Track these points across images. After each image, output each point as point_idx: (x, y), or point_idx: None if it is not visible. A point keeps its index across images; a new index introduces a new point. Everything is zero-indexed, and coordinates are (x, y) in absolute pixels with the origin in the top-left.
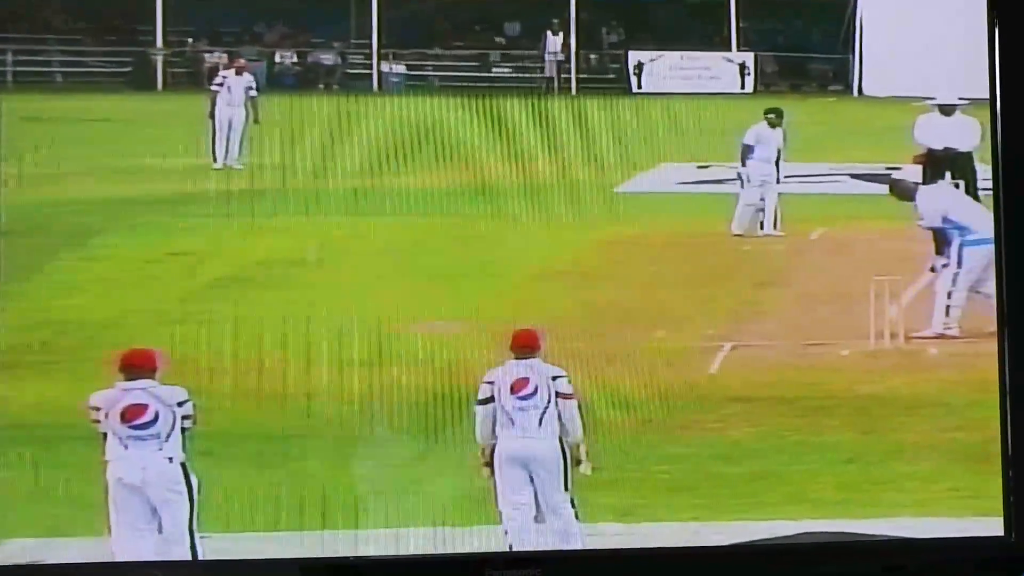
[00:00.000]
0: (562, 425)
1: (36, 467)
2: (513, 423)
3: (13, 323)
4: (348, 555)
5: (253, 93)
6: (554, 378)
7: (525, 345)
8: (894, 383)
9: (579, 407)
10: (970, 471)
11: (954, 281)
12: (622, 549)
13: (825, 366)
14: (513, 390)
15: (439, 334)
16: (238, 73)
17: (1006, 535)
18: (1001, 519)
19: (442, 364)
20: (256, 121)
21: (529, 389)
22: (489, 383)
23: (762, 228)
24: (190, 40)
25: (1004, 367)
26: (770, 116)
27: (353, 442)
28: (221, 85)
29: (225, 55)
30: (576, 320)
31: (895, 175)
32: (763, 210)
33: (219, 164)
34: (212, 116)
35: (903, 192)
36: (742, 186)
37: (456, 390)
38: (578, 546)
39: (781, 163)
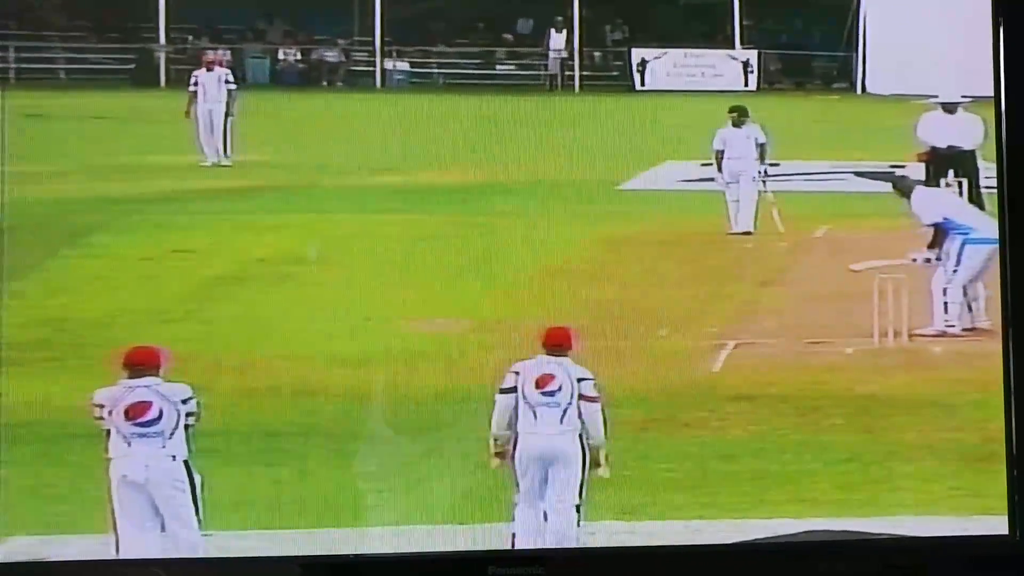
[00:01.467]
0: (584, 426)
1: (38, 465)
2: (536, 417)
3: (14, 320)
4: (350, 553)
5: (231, 87)
6: (580, 380)
7: (557, 343)
8: (897, 382)
9: (603, 411)
10: (973, 470)
11: (949, 279)
12: (625, 547)
13: (828, 365)
14: (538, 385)
15: (441, 332)
16: (209, 70)
17: (1011, 534)
18: (1005, 518)
19: (445, 362)
20: (230, 114)
21: (554, 386)
22: (515, 373)
23: (736, 224)
24: (191, 37)
25: (1008, 365)
26: (732, 115)
27: (356, 439)
28: (196, 85)
29: (227, 51)
30: (579, 318)
31: (899, 172)
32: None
33: (208, 162)
34: (188, 115)
35: (905, 188)
36: (726, 187)
37: (458, 387)
38: (579, 545)
39: (766, 158)
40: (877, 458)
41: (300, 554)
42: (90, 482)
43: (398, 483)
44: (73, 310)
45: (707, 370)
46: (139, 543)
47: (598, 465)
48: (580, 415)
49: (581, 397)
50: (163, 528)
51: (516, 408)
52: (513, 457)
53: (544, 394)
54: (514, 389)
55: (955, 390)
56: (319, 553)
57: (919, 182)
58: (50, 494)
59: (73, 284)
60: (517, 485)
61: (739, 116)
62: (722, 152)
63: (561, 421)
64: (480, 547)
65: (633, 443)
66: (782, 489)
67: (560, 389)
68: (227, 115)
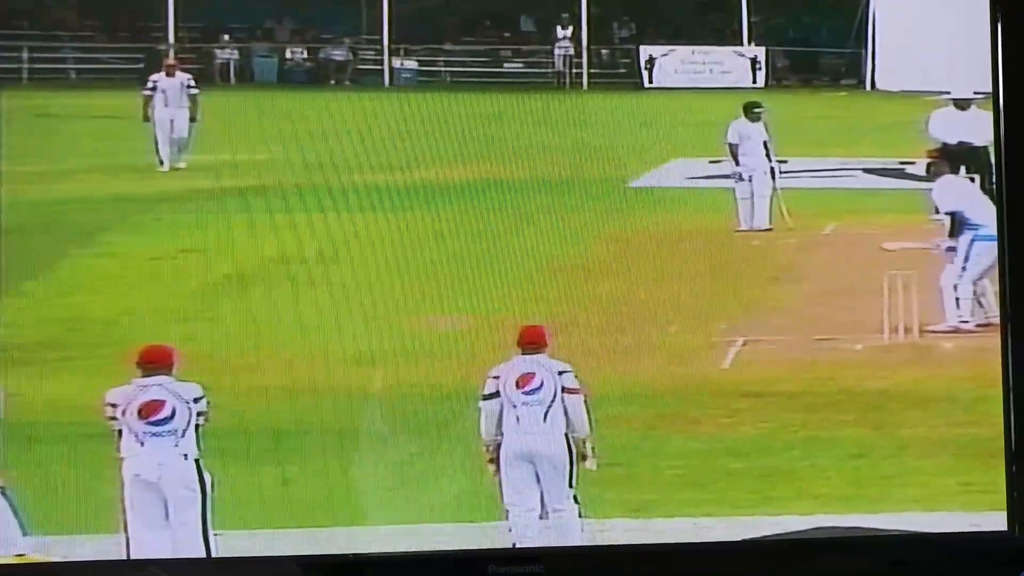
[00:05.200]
0: (568, 420)
1: (50, 464)
2: (519, 418)
3: (25, 320)
4: (353, 551)
5: (193, 92)
6: (560, 373)
7: (532, 341)
8: (907, 377)
9: (585, 402)
10: (984, 465)
11: (960, 275)
12: (626, 545)
13: (838, 361)
14: (519, 385)
15: (449, 329)
16: (169, 75)
17: (1010, 530)
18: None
19: (451, 360)
20: (194, 119)
21: (535, 384)
22: (495, 378)
23: (753, 221)
24: (201, 36)
25: (1007, 362)
26: (756, 111)
27: (360, 438)
28: (153, 90)
29: (236, 50)
30: (587, 315)
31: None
32: (758, 202)
33: (165, 168)
34: (147, 119)
35: (936, 174)
36: (736, 183)
37: (464, 385)
38: (581, 542)
39: (772, 155)
40: (887, 454)
41: (304, 553)
42: (102, 482)
43: (400, 481)
44: (84, 309)
45: (716, 367)
46: (151, 543)
47: (584, 458)
48: (564, 410)
49: (564, 390)
50: (173, 527)
51: (501, 412)
52: (499, 460)
53: (526, 393)
54: (497, 394)
55: (966, 385)
56: (326, 552)
57: (947, 169)
58: (62, 494)
59: (83, 283)
60: (509, 487)
61: (756, 111)
62: (736, 146)
63: (545, 419)
64: (481, 546)
65: (642, 440)
66: (791, 485)
67: (541, 386)
68: (191, 120)
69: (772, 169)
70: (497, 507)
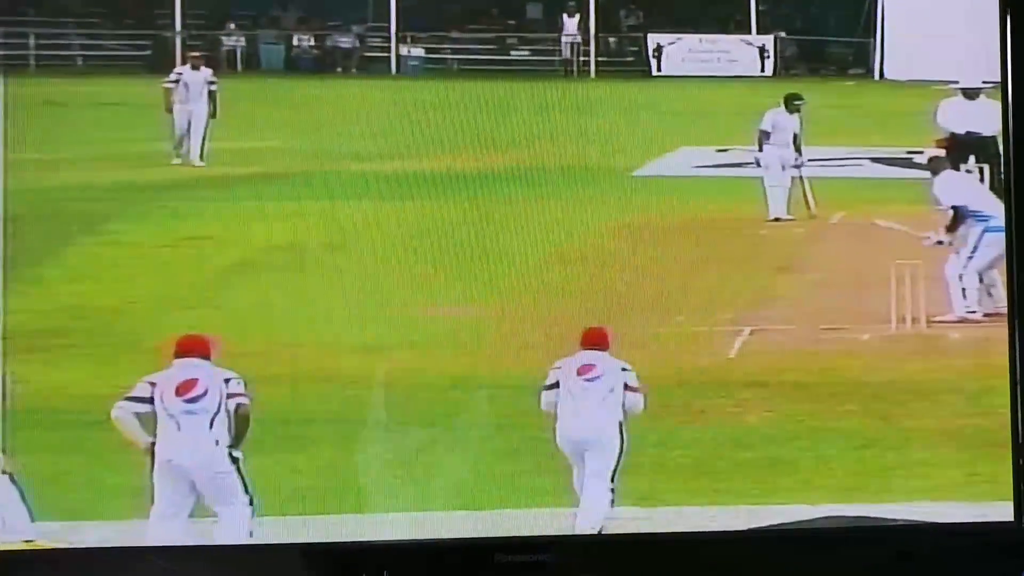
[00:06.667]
0: (625, 414)
1: (56, 451)
2: (574, 399)
3: (31, 307)
4: (360, 539)
5: (213, 87)
6: (623, 370)
7: (595, 343)
8: (913, 368)
9: (644, 401)
10: (987, 456)
11: (964, 265)
12: (632, 534)
13: (844, 351)
14: (579, 373)
15: (455, 318)
16: (194, 68)
17: (1016, 520)
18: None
19: (458, 349)
20: (214, 115)
21: (596, 372)
22: (557, 369)
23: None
24: (207, 23)
25: (1015, 353)
26: (796, 102)
27: (368, 426)
28: (176, 82)
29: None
30: (595, 304)
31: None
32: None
33: (179, 160)
34: (170, 110)
35: (936, 169)
36: (760, 169)
37: (471, 374)
38: (596, 531)
39: (801, 147)
40: (892, 445)
41: (308, 540)
42: (109, 469)
43: (408, 470)
44: (89, 297)
45: (723, 356)
46: (169, 528)
47: None
48: (623, 405)
49: (626, 387)
50: (192, 514)
51: (557, 401)
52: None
53: (586, 380)
54: (557, 384)
55: (973, 376)
56: (333, 540)
57: (949, 164)
58: (68, 481)
59: (89, 271)
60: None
61: (796, 103)
62: (768, 134)
63: (600, 404)
64: (488, 534)
65: (649, 430)
66: (797, 475)
67: (601, 376)
68: (212, 117)
69: (798, 162)
70: (506, 495)
